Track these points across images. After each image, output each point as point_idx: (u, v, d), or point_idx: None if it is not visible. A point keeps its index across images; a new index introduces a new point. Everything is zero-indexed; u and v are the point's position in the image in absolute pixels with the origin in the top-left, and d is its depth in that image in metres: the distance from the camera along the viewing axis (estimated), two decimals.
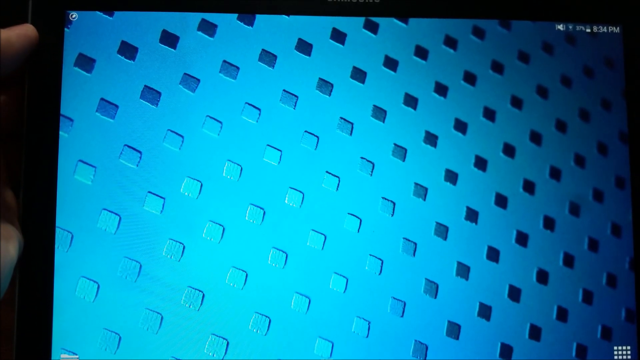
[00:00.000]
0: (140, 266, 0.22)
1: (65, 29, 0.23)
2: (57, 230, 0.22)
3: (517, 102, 0.26)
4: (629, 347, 0.25)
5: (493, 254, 0.24)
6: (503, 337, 0.24)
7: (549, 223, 0.25)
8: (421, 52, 0.25)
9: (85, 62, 0.23)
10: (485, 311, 0.24)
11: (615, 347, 0.25)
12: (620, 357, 0.24)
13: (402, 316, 0.23)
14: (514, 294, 0.24)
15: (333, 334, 0.23)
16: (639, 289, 0.25)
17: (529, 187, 0.25)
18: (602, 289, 0.25)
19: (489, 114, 0.25)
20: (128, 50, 0.23)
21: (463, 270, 0.24)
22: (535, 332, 0.24)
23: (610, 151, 0.26)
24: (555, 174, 0.25)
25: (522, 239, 0.25)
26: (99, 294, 0.22)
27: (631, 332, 0.25)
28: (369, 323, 0.23)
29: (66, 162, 0.22)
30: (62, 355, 0.21)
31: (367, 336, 0.23)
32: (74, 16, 0.23)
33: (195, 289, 0.22)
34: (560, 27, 0.26)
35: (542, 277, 0.25)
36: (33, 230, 0.21)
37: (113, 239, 0.22)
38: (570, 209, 0.25)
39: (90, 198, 0.22)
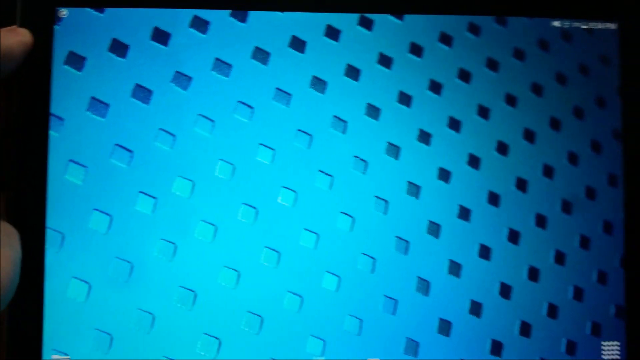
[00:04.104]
0: (132, 266, 0.22)
1: (55, 27, 0.22)
2: (48, 231, 0.22)
3: (511, 100, 0.26)
4: (617, 343, 0.25)
5: (485, 252, 0.25)
6: (493, 334, 0.24)
7: (541, 221, 0.25)
8: (416, 49, 0.25)
9: (76, 60, 0.22)
10: (476, 308, 0.24)
11: (604, 343, 0.25)
12: (608, 352, 0.25)
13: (394, 314, 0.24)
14: (505, 291, 0.25)
15: (325, 332, 0.23)
16: (628, 285, 0.25)
17: (521, 185, 0.25)
18: (593, 286, 0.25)
19: (483, 112, 0.25)
20: (119, 48, 0.23)
21: (455, 268, 0.24)
22: (525, 329, 0.25)
23: (604, 149, 0.26)
24: (548, 172, 0.25)
25: (514, 236, 0.25)
26: (90, 295, 0.22)
27: (620, 328, 0.25)
28: (361, 321, 0.23)
29: (56, 162, 0.22)
30: (54, 356, 0.21)
31: (359, 334, 0.23)
32: (63, 13, 0.22)
33: (187, 289, 0.22)
34: (557, 23, 0.26)
35: (534, 274, 0.25)
36: (23, 231, 0.21)
37: (104, 239, 0.22)
38: (562, 206, 0.25)
39: (81, 198, 0.22)
